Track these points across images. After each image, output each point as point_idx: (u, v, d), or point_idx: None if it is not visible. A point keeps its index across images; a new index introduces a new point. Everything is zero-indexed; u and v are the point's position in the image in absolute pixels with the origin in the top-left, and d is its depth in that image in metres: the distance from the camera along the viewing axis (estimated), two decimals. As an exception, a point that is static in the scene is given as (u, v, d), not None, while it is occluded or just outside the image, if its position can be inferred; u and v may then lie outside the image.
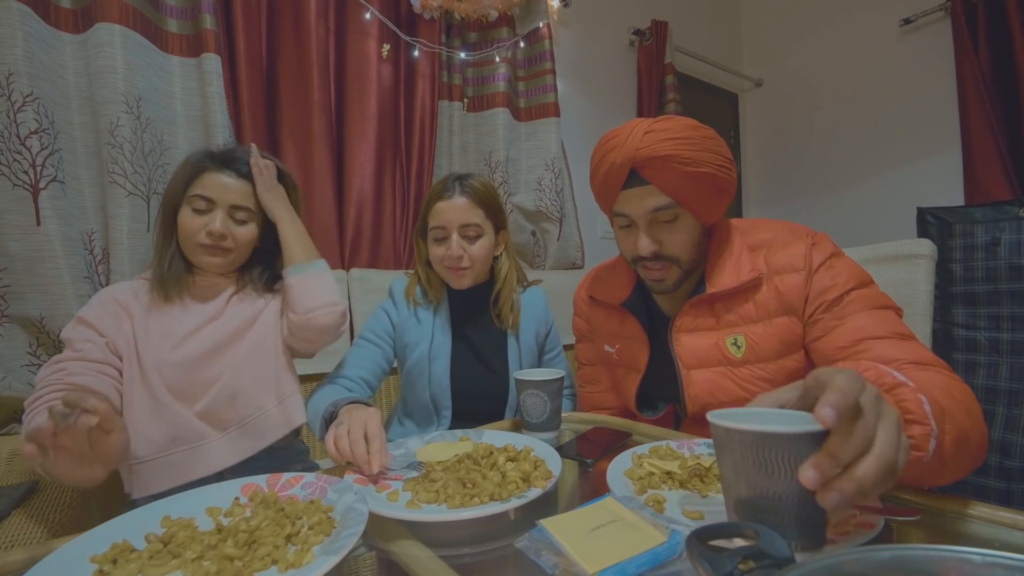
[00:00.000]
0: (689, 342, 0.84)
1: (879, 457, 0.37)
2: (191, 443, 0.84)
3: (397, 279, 1.14)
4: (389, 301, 1.11)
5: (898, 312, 0.75)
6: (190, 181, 0.89)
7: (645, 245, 0.80)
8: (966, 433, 0.53)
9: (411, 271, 1.14)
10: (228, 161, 0.92)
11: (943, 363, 0.66)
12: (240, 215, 0.91)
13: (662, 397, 0.92)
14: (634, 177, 0.77)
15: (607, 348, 0.97)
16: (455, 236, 1.01)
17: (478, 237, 1.03)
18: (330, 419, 0.79)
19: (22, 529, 0.91)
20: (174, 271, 0.90)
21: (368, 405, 0.79)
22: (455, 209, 1.01)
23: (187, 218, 0.88)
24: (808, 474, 0.37)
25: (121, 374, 0.84)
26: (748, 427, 0.40)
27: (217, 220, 0.88)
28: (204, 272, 0.94)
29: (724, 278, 0.81)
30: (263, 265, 0.99)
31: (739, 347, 0.80)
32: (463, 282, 1.04)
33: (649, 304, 0.93)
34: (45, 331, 1.11)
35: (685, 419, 0.88)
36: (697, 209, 0.79)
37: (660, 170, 0.75)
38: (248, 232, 0.93)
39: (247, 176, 0.92)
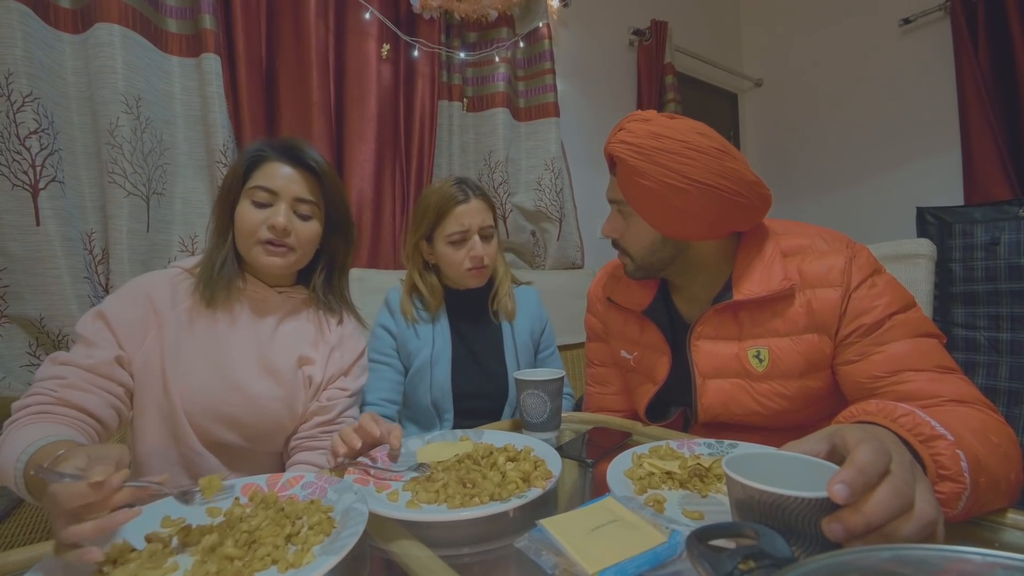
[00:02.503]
0: (708, 349, 0.81)
1: (920, 520, 0.36)
2: None
3: (393, 288, 1.14)
4: (386, 313, 1.11)
5: (940, 339, 0.71)
6: (249, 172, 0.82)
7: (604, 229, 0.85)
8: (998, 481, 0.51)
9: (400, 277, 1.15)
10: (290, 151, 0.84)
11: (986, 400, 0.63)
12: (304, 209, 0.83)
13: (674, 403, 0.89)
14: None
15: (624, 354, 0.93)
16: (476, 238, 1.03)
17: (491, 238, 1.06)
18: None
19: (22, 529, 0.91)
20: (226, 274, 0.81)
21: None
22: (476, 212, 1.03)
23: (247, 212, 0.80)
24: (833, 527, 0.36)
25: (127, 392, 0.76)
26: (767, 488, 0.38)
27: (280, 213, 0.80)
28: (257, 283, 0.86)
29: (752, 285, 0.76)
30: (326, 272, 0.92)
31: (761, 360, 0.76)
32: (481, 281, 1.07)
33: (670, 310, 0.89)
34: (45, 331, 1.10)
35: (695, 425, 0.86)
36: (647, 217, 0.77)
37: (618, 168, 0.77)
38: (312, 229, 0.85)
39: (311, 168, 0.84)
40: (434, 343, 1.06)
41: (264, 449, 0.85)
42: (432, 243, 1.07)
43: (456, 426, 1.05)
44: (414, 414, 1.09)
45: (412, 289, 1.10)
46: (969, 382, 0.66)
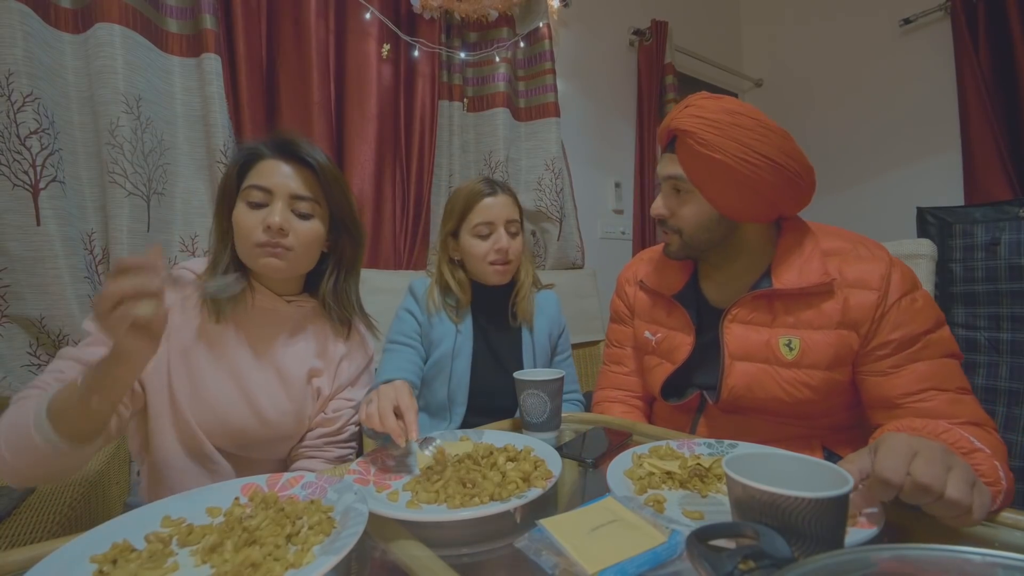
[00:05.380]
0: (741, 333, 0.82)
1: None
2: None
3: (418, 279, 1.14)
4: (411, 300, 1.11)
5: (959, 359, 0.75)
6: (244, 172, 0.78)
7: (655, 207, 0.86)
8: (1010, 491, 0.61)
9: (425, 271, 1.14)
10: (284, 146, 0.79)
11: (991, 421, 0.70)
12: (303, 207, 0.78)
13: (692, 384, 0.91)
14: (672, 145, 0.81)
15: (647, 335, 0.95)
16: (502, 230, 1.04)
17: (517, 234, 1.07)
18: None
19: (22, 529, 0.91)
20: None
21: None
22: (502, 205, 1.05)
23: (243, 214, 0.76)
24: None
25: (130, 400, 0.74)
26: (767, 488, 0.39)
27: (276, 212, 0.75)
28: (265, 292, 0.82)
29: (792, 276, 0.79)
30: (334, 277, 0.87)
31: (792, 349, 0.78)
32: (504, 277, 1.06)
33: (699, 296, 0.92)
34: (45, 331, 1.10)
35: (710, 407, 0.87)
36: (708, 194, 0.79)
37: (682, 143, 0.77)
38: (312, 229, 0.79)
39: (308, 164, 0.79)
40: (457, 335, 1.07)
41: (266, 456, 0.85)
42: (458, 238, 1.07)
43: (465, 422, 1.06)
44: (426, 405, 1.09)
45: (442, 284, 1.10)
46: (979, 404, 0.71)
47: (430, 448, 0.69)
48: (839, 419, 0.83)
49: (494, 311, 1.12)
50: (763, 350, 0.80)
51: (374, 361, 0.97)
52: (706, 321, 0.89)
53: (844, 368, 0.78)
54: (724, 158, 0.74)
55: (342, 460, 0.86)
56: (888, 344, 0.74)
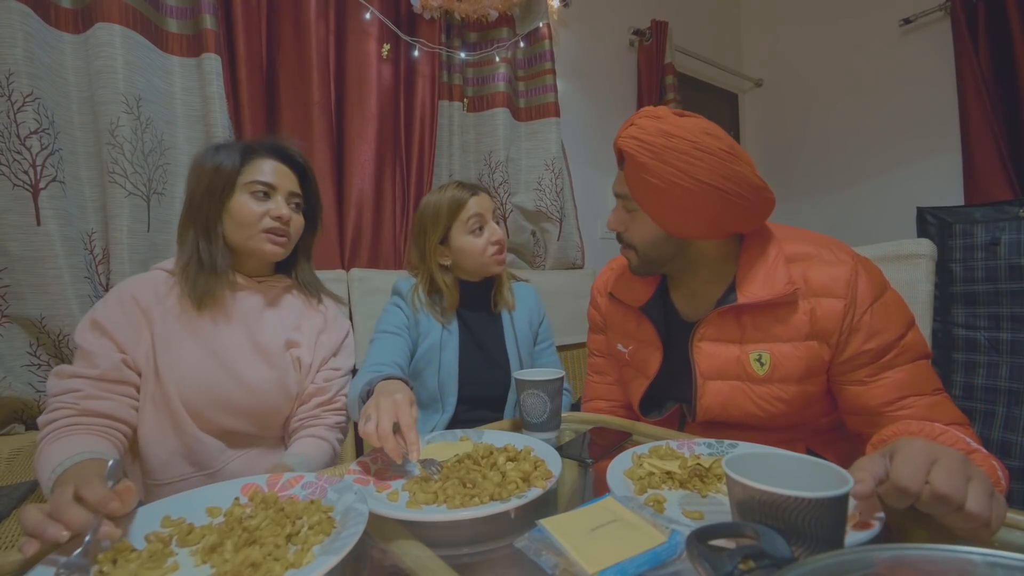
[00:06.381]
0: (710, 351, 0.81)
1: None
2: (212, 467, 0.82)
3: (402, 279, 1.17)
4: (397, 297, 1.14)
5: (929, 357, 0.74)
6: (241, 167, 0.87)
7: (609, 222, 0.87)
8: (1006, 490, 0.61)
9: (410, 277, 1.17)
10: (279, 149, 0.91)
11: (967, 418, 0.71)
12: (295, 201, 0.92)
13: (670, 398, 0.90)
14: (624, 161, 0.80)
15: (620, 347, 0.95)
16: (492, 222, 1.10)
17: (500, 223, 1.15)
18: (367, 398, 0.77)
19: (22, 529, 0.91)
20: (221, 268, 0.84)
21: (403, 382, 0.78)
22: (486, 201, 1.12)
23: (247, 203, 0.85)
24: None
25: (138, 390, 0.81)
26: (767, 488, 0.39)
27: (282, 206, 0.87)
28: (240, 275, 0.90)
29: (756, 289, 0.77)
30: (302, 261, 1.00)
31: (763, 364, 0.77)
32: (501, 265, 1.13)
33: (668, 308, 0.91)
34: (45, 331, 1.10)
35: (691, 422, 0.86)
36: (651, 214, 0.78)
37: (627, 162, 0.77)
38: (301, 221, 0.93)
39: (298, 165, 0.93)
40: (443, 331, 1.10)
41: (265, 433, 0.88)
42: (448, 243, 1.10)
43: (457, 413, 1.08)
44: (417, 397, 1.10)
45: (429, 289, 1.13)
46: (953, 403, 0.72)
47: (433, 468, 0.67)
48: (819, 424, 0.82)
49: (476, 305, 1.16)
50: (734, 367, 0.79)
51: (351, 333, 1.04)
52: (676, 334, 0.87)
53: (817, 379, 0.77)
54: (659, 182, 0.73)
55: (339, 426, 0.92)
56: (865, 354, 0.73)
